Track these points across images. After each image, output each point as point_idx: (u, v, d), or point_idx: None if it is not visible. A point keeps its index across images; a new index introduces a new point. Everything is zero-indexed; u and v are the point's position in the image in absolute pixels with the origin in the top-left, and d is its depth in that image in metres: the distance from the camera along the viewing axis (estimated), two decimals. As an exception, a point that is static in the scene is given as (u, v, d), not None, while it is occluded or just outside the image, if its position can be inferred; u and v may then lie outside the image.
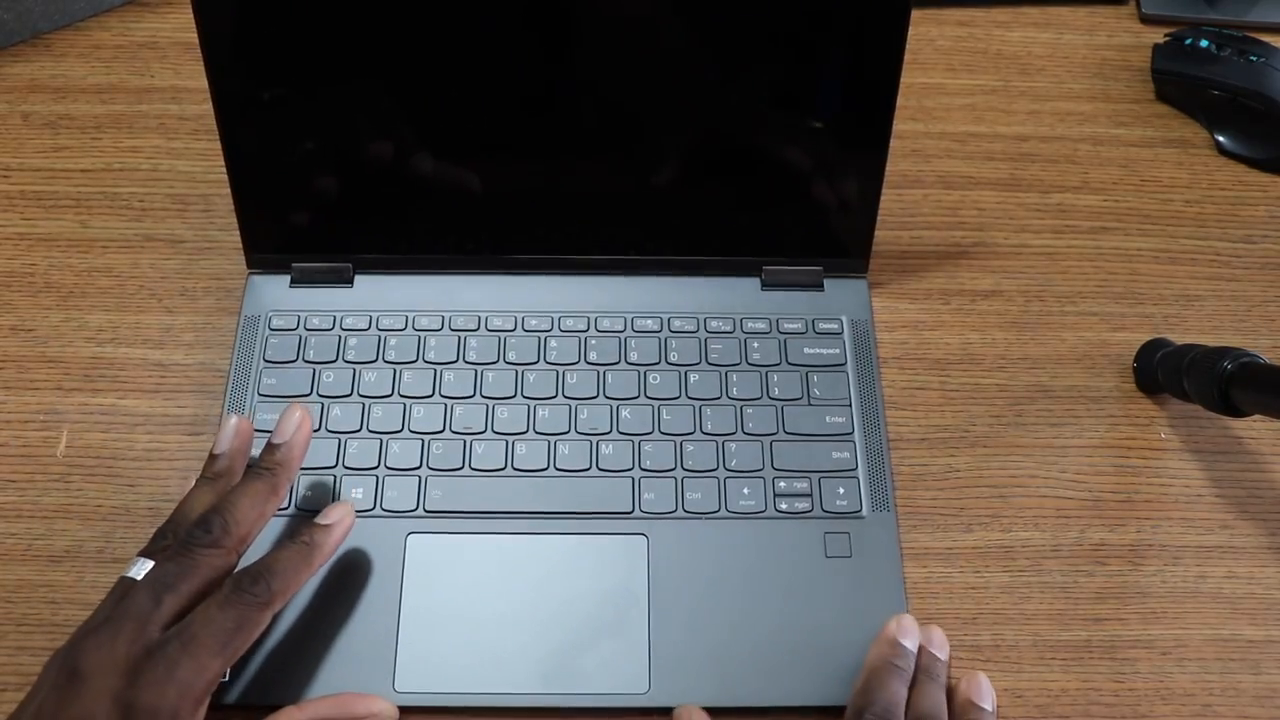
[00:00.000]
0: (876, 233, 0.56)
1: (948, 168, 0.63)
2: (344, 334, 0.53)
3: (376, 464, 0.50)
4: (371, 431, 0.51)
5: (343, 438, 0.50)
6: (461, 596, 0.47)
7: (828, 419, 0.52)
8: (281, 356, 0.53)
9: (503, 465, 0.50)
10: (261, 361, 0.53)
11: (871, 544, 0.49)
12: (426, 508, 0.49)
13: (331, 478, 0.49)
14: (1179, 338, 0.55)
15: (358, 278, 0.55)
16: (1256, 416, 0.49)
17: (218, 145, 0.52)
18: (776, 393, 0.52)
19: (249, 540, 0.43)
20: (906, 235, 0.60)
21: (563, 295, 0.55)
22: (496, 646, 0.46)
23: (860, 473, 0.50)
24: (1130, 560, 0.51)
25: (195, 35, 0.49)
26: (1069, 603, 0.49)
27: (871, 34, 0.49)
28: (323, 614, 0.46)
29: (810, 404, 0.52)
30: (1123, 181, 0.63)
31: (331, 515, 0.45)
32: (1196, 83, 0.64)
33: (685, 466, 0.50)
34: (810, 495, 0.50)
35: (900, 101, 0.66)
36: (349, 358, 0.53)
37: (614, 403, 0.52)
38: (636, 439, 0.51)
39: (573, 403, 0.52)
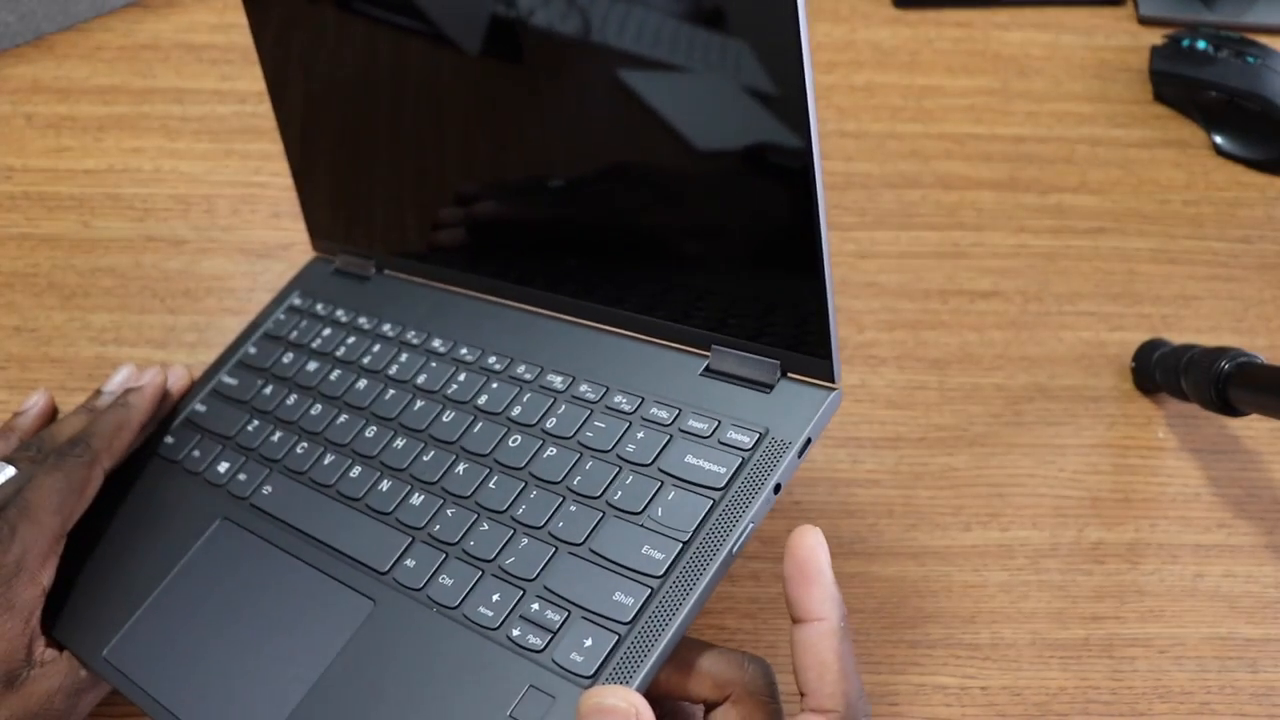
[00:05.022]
0: (877, 233, 0.56)
1: (946, 168, 0.64)
2: (321, 324, 0.53)
3: (255, 446, 0.48)
4: (278, 419, 0.49)
5: (255, 416, 0.50)
6: (211, 597, 0.44)
7: (644, 549, 0.38)
8: (278, 333, 0.53)
9: (330, 483, 0.46)
10: (261, 332, 0.53)
11: None
12: (253, 502, 0.46)
13: (219, 447, 0.49)
14: (1177, 338, 0.55)
15: (376, 276, 0.54)
16: (1254, 416, 0.50)
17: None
18: (617, 497, 0.40)
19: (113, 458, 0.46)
20: (906, 235, 0.61)
21: (515, 334, 0.48)
22: (191, 658, 0.43)
23: (624, 631, 0.36)
24: (1128, 559, 0.51)
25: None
26: (1067, 601, 0.50)
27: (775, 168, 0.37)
28: (109, 545, 0.46)
29: (643, 526, 0.39)
30: (1121, 182, 0.63)
31: (144, 377, 0.49)
32: (1194, 84, 0.64)
33: (466, 547, 0.41)
34: (554, 633, 0.37)
35: (900, 102, 0.66)
36: (315, 346, 0.52)
37: (453, 454, 0.44)
38: (446, 499, 0.43)
39: (424, 442, 0.45)
